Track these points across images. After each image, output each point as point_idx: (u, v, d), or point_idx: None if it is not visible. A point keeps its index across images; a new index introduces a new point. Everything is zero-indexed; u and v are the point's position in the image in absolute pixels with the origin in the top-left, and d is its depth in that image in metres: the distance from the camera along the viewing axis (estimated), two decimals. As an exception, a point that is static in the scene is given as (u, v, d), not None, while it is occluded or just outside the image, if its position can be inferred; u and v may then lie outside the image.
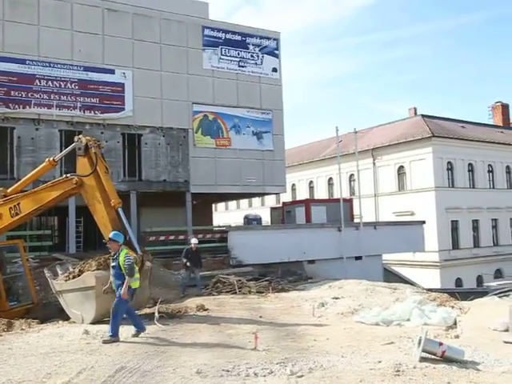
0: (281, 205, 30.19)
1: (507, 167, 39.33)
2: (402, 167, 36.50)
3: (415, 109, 43.54)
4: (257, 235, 21.35)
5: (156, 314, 10.13)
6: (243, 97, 23.65)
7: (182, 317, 10.69)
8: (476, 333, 8.29)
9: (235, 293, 14.81)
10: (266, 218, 30.74)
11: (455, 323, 9.32)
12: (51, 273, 11.15)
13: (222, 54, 23.25)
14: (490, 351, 6.99)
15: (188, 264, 15.18)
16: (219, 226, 25.72)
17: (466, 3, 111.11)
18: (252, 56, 24.09)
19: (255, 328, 9.12)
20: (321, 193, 42.93)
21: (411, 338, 7.81)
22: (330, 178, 42.35)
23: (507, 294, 15.35)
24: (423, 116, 38.61)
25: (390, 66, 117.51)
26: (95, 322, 9.75)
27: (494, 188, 38.27)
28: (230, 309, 12.12)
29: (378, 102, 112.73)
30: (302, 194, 43.90)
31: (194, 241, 15.62)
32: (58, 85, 19.45)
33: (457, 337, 8.25)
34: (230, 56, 23.50)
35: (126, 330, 8.76)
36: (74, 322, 10.19)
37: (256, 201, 46.47)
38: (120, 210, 10.65)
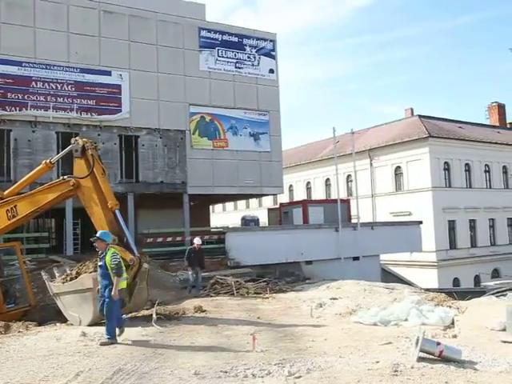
0: (278, 206, 30.20)
1: (504, 167, 39.43)
2: (398, 167, 36.57)
3: (412, 109, 43.61)
4: (254, 236, 21.37)
5: (154, 316, 10.11)
6: (240, 98, 23.67)
7: (180, 318, 10.68)
8: (474, 332, 8.31)
9: (233, 294, 14.79)
10: (264, 219, 30.75)
11: (453, 323, 9.33)
12: (48, 275, 11.14)
13: (218, 56, 23.27)
14: (487, 351, 7.00)
15: (187, 264, 15.21)
16: (217, 228, 25.72)
17: (462, 4, 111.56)
18: (249, 57, 24.11)
19: (253, 329, 9.12)
20: (318, 193, 42.97)
21: (409, 337, 7.81)
22: (328, 179, 42.39)
23: (504, 293, 15.35)
24: (420, 116, 38.67)
25: (387, 67, 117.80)
26: (93, 323, 9.72)
27: (490, 188, 38.36)
28: (228, 310, 12.11)
29: (375, 103, 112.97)
30: (300, 195, 43.95)
31: (196, 241, 15.59)
32: (54, 87, 19.43)
33: (454, 336, 8.26)
34: (227, 57, 23.52)
35: (124, 332, 8.75)
36: (72, 324, 10.17)
37: (253, 202, 46.46)
38: (117, 212, 10.63)
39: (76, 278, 10.27)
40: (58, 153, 15.85)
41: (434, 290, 17.38)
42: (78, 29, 19.94)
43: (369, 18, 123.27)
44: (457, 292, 16.81)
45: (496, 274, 35.35)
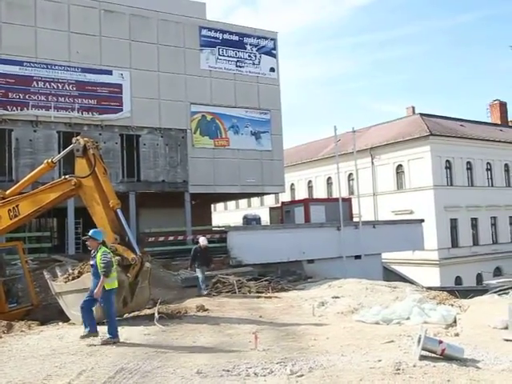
0: (280, 205, 30.18)
1: (506, 165, 39.35)
2: (400, 166, 36.52)
3: (413, 107, 43.54)
4: (256, 235, 21.35)
5: (156, 315, 10.11)
6: (241, 97, 23.65)
7: (182, 317, 10.68)
8: (476, 331, 8.29)
9: (235, 293, 14.79)
10: (265, 218, 30.72)
11: (455, 321, 9.32)
12: (51, 274, 11.13)
13: (219, 54, 23.26)
14: (489, 349, 6.99)
15: (193, 263, 15.19)
16: (218, 226, 25.72)
17: (461, 2, 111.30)
18: (249, 56, 24.09)
19: (255, 328, 9.12)
20: (320, 192, 42.94)
21: (411, 336, 7.80)
22: (329, 178, 42.37)
23: (507, 291, 15.34)
24: (421, 115, 38.61)
25: (387, 66, 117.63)
26: (95, 323, 9.72)
27: (492, 186, 38.29)
28: (230, 309, 12.11)
29: (376, 101, 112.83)
30: (301, 194, 43.91)
31: (202, 241, 15.54)
32: (55, 86, 19.45)
33: (457, 335, 8.25)
34: (228, 56, 23.50)
35: (126, 332, 8.77)
36: (74, 324, 10.16)
37: (255, 201, 46.49)
38: (119, 211, 10.64)
39: (78, 277, 10.28)
40: (59, 152, 15.84)
41: (436, 289, 17.34)
42: (78, 28, 19.95)
43: (368, 17, 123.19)
44: (459, 290, 16.79)
45: (498, 272, 35.30)
